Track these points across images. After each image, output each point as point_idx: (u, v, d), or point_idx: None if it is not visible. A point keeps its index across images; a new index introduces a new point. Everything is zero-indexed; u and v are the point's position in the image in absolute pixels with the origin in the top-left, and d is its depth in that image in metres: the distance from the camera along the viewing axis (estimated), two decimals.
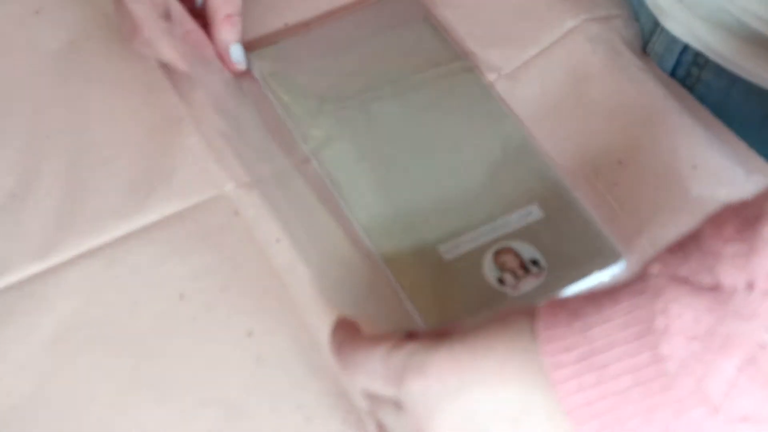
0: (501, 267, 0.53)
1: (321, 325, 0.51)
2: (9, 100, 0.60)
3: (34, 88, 0.60)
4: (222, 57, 0.60)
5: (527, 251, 0.53)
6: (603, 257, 0.53)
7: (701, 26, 0.58)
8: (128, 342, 0.51)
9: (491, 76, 0.61)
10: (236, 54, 0.60)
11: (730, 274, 0.34)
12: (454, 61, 0.61)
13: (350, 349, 0.44)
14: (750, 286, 0.34)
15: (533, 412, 0.38)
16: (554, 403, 0.37)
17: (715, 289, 0.35)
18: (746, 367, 0.34)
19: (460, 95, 0.60)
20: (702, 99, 0.61)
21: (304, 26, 0.64)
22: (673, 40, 0.61)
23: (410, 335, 0.46)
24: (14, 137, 0.58)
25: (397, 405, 0.42)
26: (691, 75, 0.62)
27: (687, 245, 0.37)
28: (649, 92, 0.60)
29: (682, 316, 0.35)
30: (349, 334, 0.46)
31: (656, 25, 0.62)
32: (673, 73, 0.63)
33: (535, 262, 0.53)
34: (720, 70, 0.59)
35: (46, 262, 0.54)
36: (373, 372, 0.43)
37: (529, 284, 0.52)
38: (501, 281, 0.52)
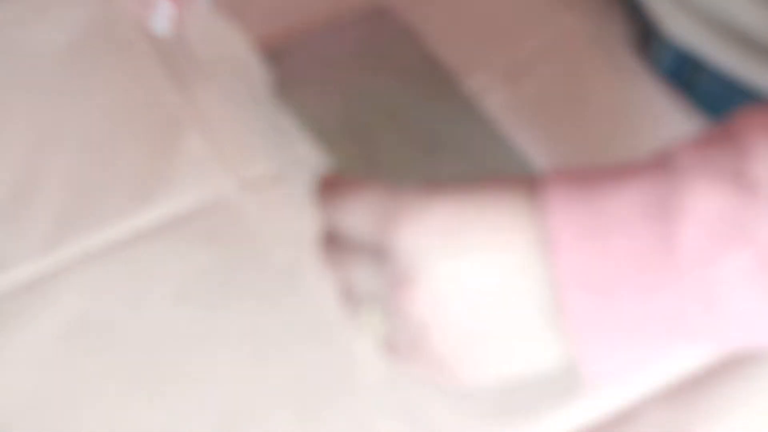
0: None
1: (320, 326, 0.51)
2: (9, 100, 0.60)
3: (34, 87, 0.60)
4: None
5: None
6: None
7: (699, 30, 0.58)
8: (128, 342, 0.51)
9: (488, 76, 0.61)
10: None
11: (757, 166, 0.33)
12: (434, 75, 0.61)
13: (339, 189, 0.40)
14: None
15: (525, 270, 0.37)
16: (548, 267, 0.36)
17: (742, 179, 0.33)
18: (753, 266, 0.33)
19: (442, 110, 0.60)
20: (699, 103, 0.61)
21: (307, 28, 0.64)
22: (671, 43, 0.61)
23: None
24: (14, 137, 0.58)
25: (376, 255, 0.39)
26: (689, 79, 0.62)
27: (717, 135, 0.35)
28: (647, 93, 0.60)
29: (701, 198, 0.33)
30: (338, 181, 0.41)
31: (654, 27, 0.62)
32: (671, 76, 0.63)
33: None
34: (718, 75, 0.59)
35: (47, 262, 0.54)
36: (360, 211, 0.39)
37: None
38: None
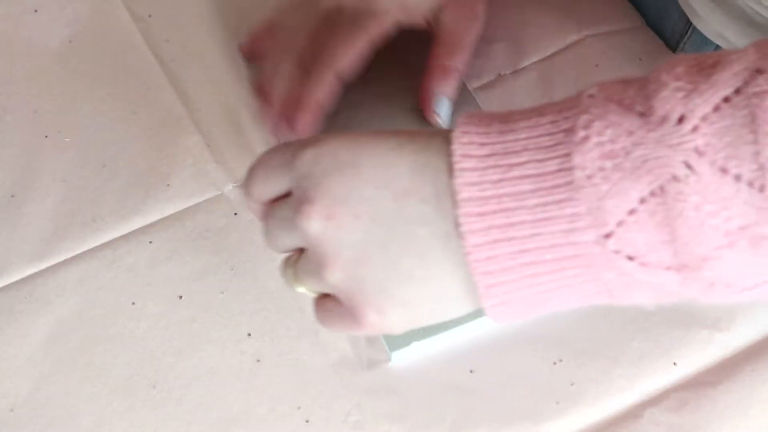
0: None
1: (320, 326, 0.51)
2: (8, 100, 0.60)
3: (33, 87, 0.60)
4: (424, 101, 0.57)
5: None
6: None
7: (732, 27, 0.58)
8: (127, 343, 0.51)
9: (490, 77, 0.61)
10: (441, 106, 0.56)
11: (666, 103, 0.34)
12: None
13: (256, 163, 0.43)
14: (681, 119, 0.33)
15: (422, 191, 0.37)
16: (445, 188, 0.37)
17: (645, 114, 0.34)
18: (650, 199, 0.34)
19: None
20: None
21: None
22: (704, 41, 0.61)
23: None
24: (13, 137, 0.58)
25: (290, 201, 0.41)
26: None
27: (630, 80, 0.36)
28: None
29: (603, 133, 0.34)
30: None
31: (687, 25, 0.61)
32: None
33: None
34: None
35: (45, 263, 0.54)
36: (270, 163, 0.42)
37: None
38: None
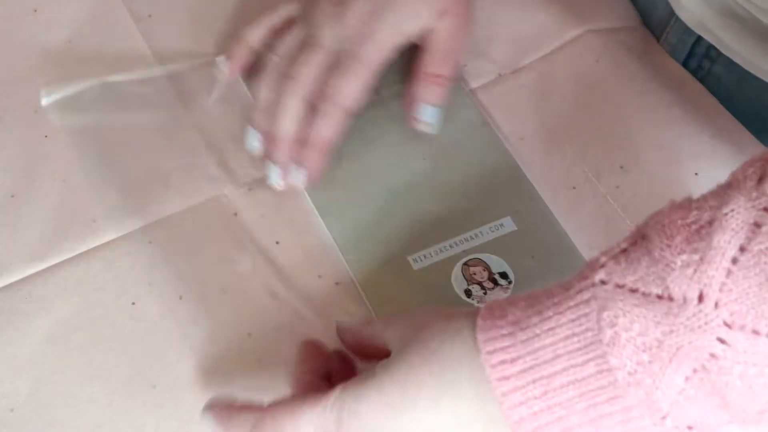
0: (470, 279, 0.52)
1: (321, 326, 0.51)
2: (8, 100, 0.60)
3: (32, 87, 0.60)
4: (406, 108, 0.57)
5: (496, 264, 0.53)
6: (573, 272, 0.52)
7: (714, 18, 0.58)
8: (127, 343, 0.51)
9: (490, 76, 0.61)
10: (426, 114, 0.57)
11: (680, 285, 0.34)
12: None
13: (272, 423, 0.42)
14: (701, 297, 0.34)
15: (470, 427, 0.38)
16: (494, 415, 0.37)
17: (664, 299, 0.35)
18: (694, 377, 0.34)
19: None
20: (712, 92, 0.61)
21: None
22: (686, 31, 0.61)
23: (337, 354, 0.47)
24: (14, 137, 0.58)
25: None
26: (703, 67, 0.62)
27: (633, 252, 0.36)
28: (652, 99, 0.60)
29: (630, 328, 0.35)
30: (254, 412, 0.43)
31: (671, 15, 0.62)
32: (685, 65, 0.63)
33: (503, 275, 0.52)
34: (731, 65, 0.59)
35: (45, 263, 0.54)
36: None
37: (496, 297, 0.51)
38: (468, 293, 0.52)
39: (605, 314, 0.35)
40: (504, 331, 0.38)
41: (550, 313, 0.37)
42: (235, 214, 0.55)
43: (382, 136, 0.58)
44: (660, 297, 0.35)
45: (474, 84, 0.61)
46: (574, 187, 0.56)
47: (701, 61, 0.62)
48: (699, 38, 0.61)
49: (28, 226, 0.55)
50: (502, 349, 0.37)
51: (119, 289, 0.53)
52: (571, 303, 0.37)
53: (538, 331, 0.37)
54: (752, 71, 0.58)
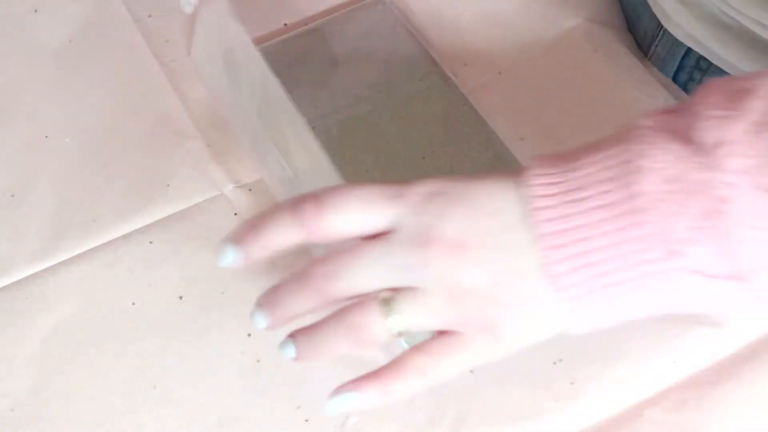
0: None
1: None
2: (8, 100, 0.60)
3: (33, 87, 0.60)
4: None
5: None
6: None
7: (702, 29, 0.58)
8: (127, 343, 0.51)
9: (490, 76, 0.61)
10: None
11: (703, 132, 0.38)
12: (431, 71, 0.61)
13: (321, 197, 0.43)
14: (717, 144, 0.37)
15: (517, 238, 0.40)
16: (531, 232, 0.40)
17: (689, 143, 0.38)
18: (704, 220, 0.37)
19: (437, 105, 0.60)
20: None
21: (303, 24, 0.64)
22: (675, 43, 0.61)
23: None
24: (13, 137, 0.58)
25: (388, 230, 0.42)
26: (694, 79, 0.62)
27: (677, 109, 0.40)
28: (650, 93, 0.60)
29: (658, 159, 0.38)
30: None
31: (659, 28, 0.62)
32: (675, 78, 0.63)
33: None
34: (723, 74, 0.59)
35: (45, 263, 0.54)
36: (371, 198, 0.42)
37: None
38: None
39: (640, 146, 0.38)
40: (550, 162, 0.41)
41: (594, 148, 0.40)
42: (235, 214, 0.56)
43: (382, 136, 0.58)
44: (686, 141, 0.38)
45: (474, 84, 0.61)
46: None
47: (692, 73, 0.62)
48: (688, 50, 0.61)
49: (28, 226, 0.55)
50: (545, 174, 0.40)
51: (119, 289, 0.53)
52: (614, 140, 0.40)
53: (580, 163, 0.40)
54: None
